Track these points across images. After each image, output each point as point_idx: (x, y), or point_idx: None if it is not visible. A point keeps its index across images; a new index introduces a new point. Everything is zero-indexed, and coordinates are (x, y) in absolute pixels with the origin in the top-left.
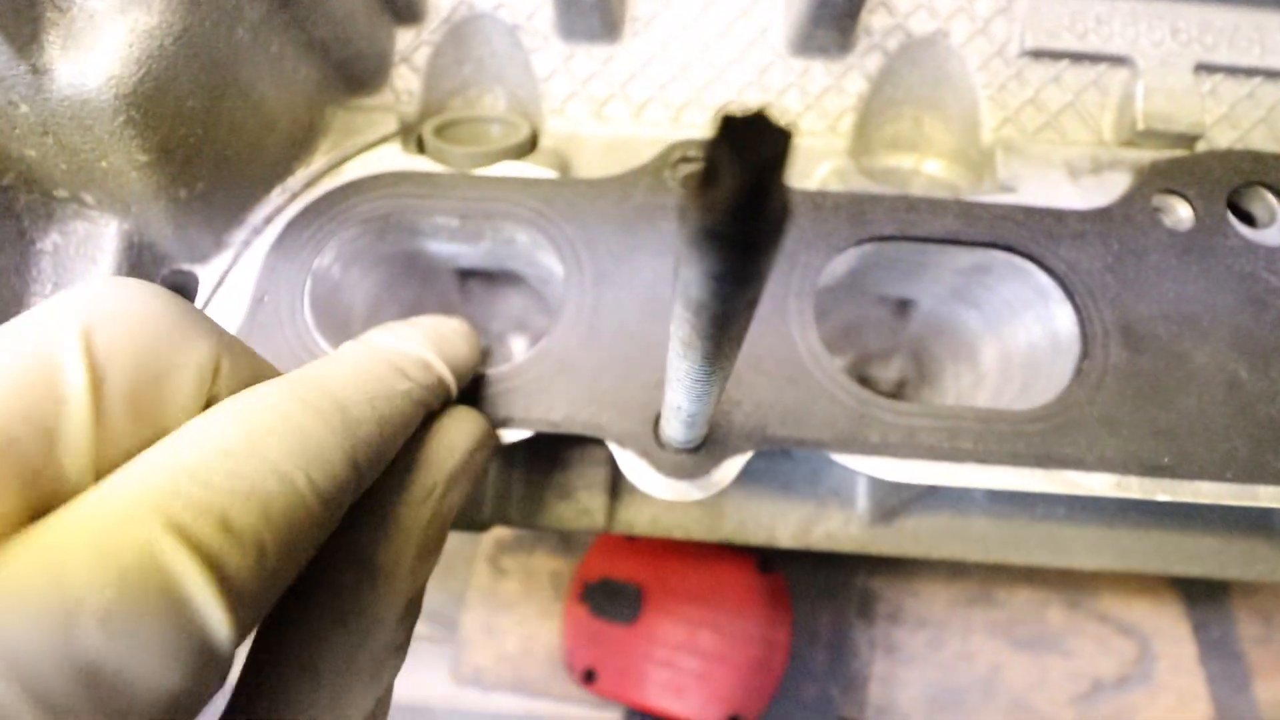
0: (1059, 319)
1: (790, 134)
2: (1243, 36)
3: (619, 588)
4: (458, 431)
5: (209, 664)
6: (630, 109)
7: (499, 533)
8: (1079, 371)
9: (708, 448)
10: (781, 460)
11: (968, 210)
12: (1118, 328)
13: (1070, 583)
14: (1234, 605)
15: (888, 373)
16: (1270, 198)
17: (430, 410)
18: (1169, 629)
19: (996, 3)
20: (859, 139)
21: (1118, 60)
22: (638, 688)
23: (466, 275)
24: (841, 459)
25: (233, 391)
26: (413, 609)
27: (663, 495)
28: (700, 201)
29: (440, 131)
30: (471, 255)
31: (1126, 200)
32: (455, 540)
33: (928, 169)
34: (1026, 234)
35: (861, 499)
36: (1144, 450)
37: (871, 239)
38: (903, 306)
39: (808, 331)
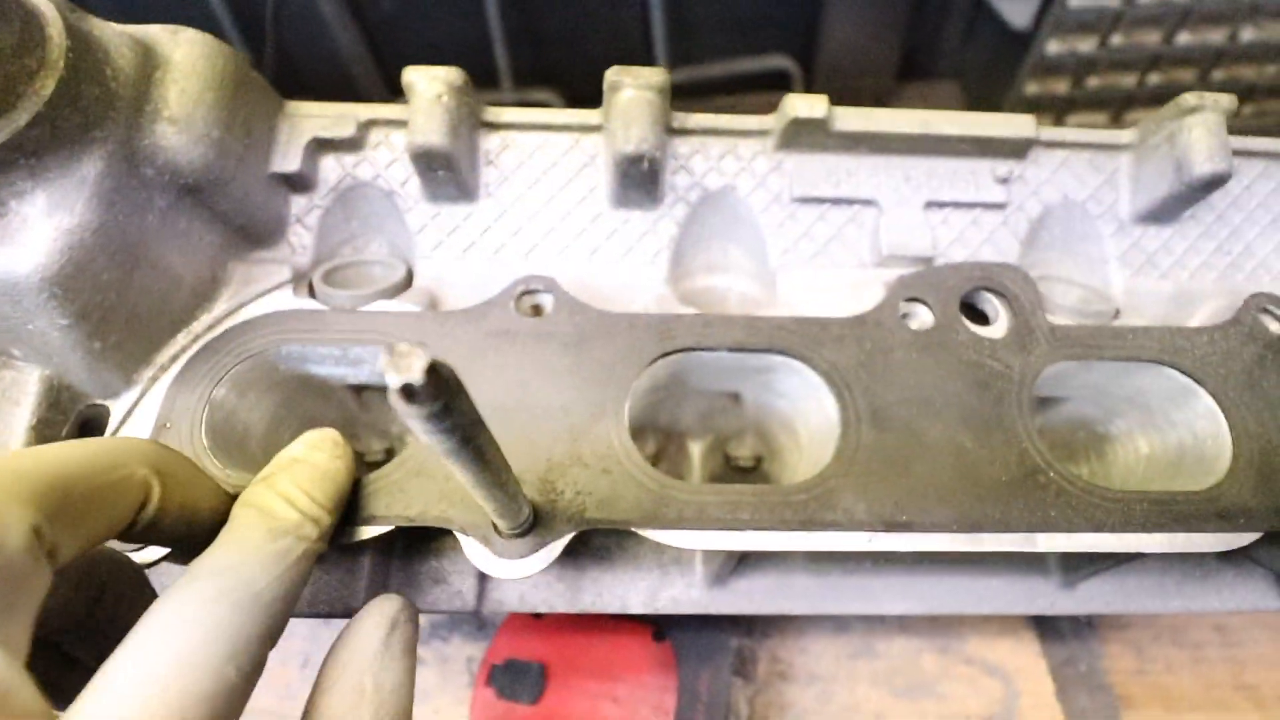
0: (827, 407)
1: (440, 369)
2: (960, 179)
3: (524, 667)
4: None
5: None
6: (487, 254)
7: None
8: (837, 450)
9: (536, 531)
10: (628, 538)
11: (752, 323)
12: (869, 412)
13: (940, 629)
14: (1102, 640)
15: (743, 450)
16: (994, 299)
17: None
18: (1029, 667)
19: (770, 163)
20: (675, 268)
21: (867, 202)
22: None
23: (361, 388)
24: (646, 533)
25: (171, 508)
26: None
27: (500, 575)
28: (405, 404)
29: (328, 276)
30: (358, 375)
31: (878, 309)
32: None
33: (738, 287)
34: (798, 340)
35: (698, 566)
36: (887, 511)
37: (674, 350)
38: (735, 398)
39: (621, 431)
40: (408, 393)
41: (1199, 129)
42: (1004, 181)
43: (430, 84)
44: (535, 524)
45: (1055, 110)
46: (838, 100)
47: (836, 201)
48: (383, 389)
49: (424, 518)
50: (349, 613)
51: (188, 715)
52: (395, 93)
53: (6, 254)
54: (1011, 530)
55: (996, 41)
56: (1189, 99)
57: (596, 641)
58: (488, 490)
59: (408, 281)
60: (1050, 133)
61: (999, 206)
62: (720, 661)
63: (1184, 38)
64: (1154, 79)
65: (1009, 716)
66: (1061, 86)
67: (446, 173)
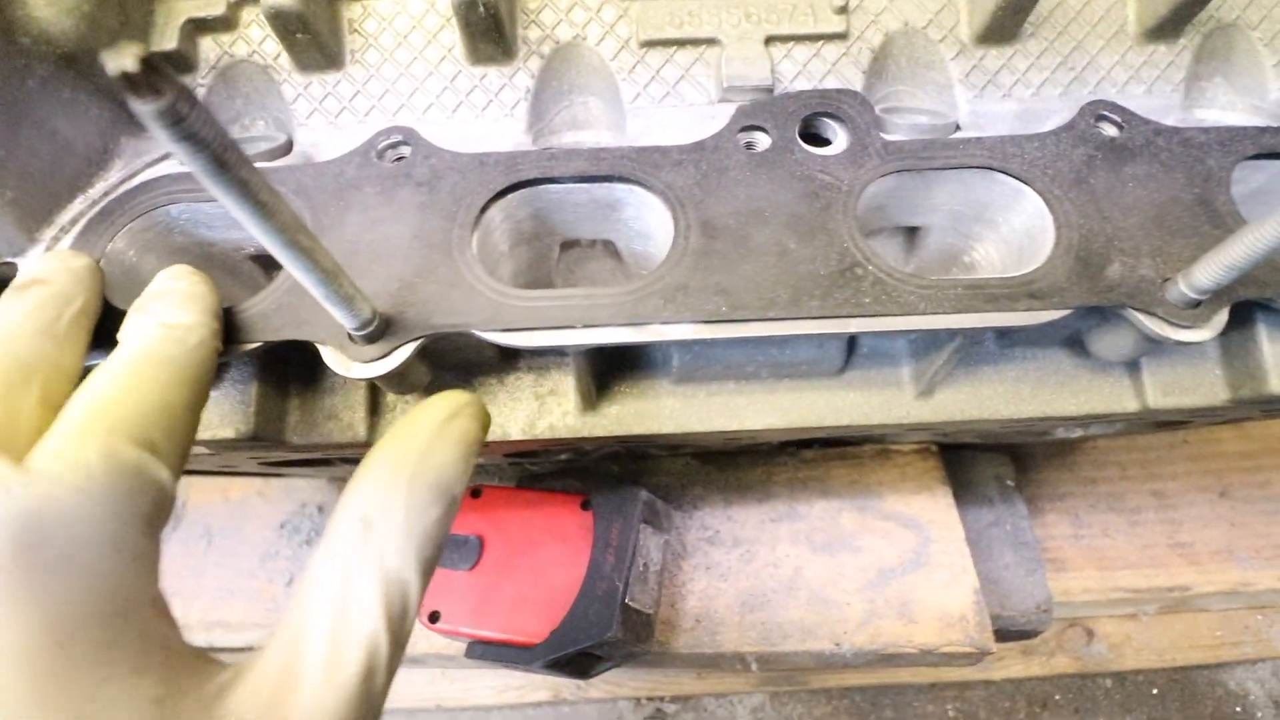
0: (668, 226)
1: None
2: (799, 13)
3: (462, 540)
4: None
5: None
6: (358, 117)
7: (316, 525)
8: (667, 255)
9: (387, 338)
10: (509, 372)
11: (595, 154)
12: (699, 223)
13: (860, 491)
14: (1039, 510)
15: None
16: (833, 124)
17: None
18: (942, 518)
19: (617, 10)
20: (536, 122)
21: (710, 40)
22: (475, 621)
23: (270, 264)
24: (485, 335)
25: None
26: None
27: (354, 375)
28: (133, 98)
29: None
30: (246, 238)
31: (717, 135)
32: (264, 540)
33: (594, 138)
34: (637, 166)
35: (571, 394)
36: (708, 304)
37: (522, 183)
38: (615, 254)
39: (465, 251)
40: (128, 82)
41: None
42: (842, 11)
43: None
44: (387, 331)
45: None
46: None
47: (682, 43)
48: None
49: (284, 333)
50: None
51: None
52: None
53: None
54: (827, 316)
55: None
56: None
57: (529, 515)
58: (314, 278)
59: (288, 148)
60: None
61: (840, 37)
62: (630, 511)
63: None
64: None
65: (920, 561)
66: None
67: (306, 37)
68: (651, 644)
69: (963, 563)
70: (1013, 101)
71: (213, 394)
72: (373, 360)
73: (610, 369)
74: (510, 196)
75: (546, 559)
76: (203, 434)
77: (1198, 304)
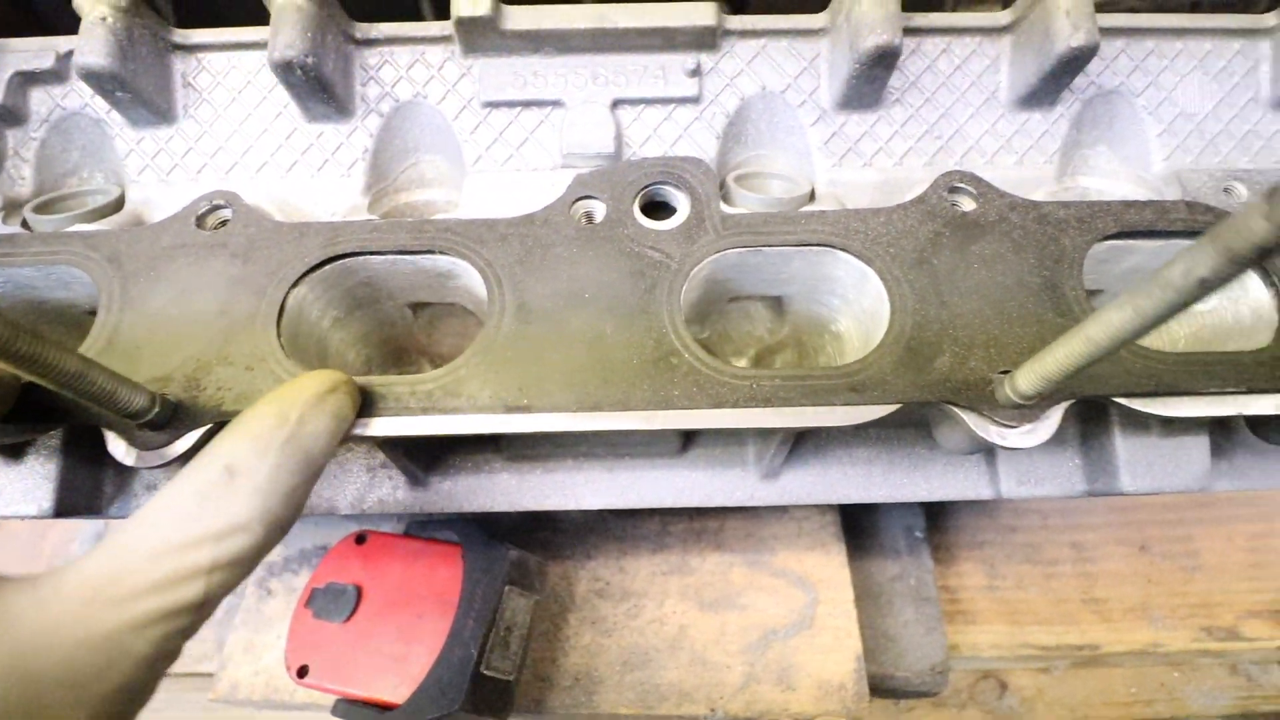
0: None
1: None
2: (650, 75)
3: (340, 589)
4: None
5: None
6: (190, 174)
7: (270, 557)
8: (476, 340)
9: (174, 425)
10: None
11: (418, 227)
12: (514, 305)
13: (753, 546)
14: (954, 558)
15: None
16: (679, 194)
17: None
18: (832, 577)
19: (460, 69)
20: (376, 181)
21: (554, 103)
22: (342, 678)
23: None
24: None
25: None
26: None
27: (136, 464)
28: None
29: (42, 206)
30: (74, 295)
31: (549, 207)
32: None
33: (439, 198)
34: (459, 240)
35: (397, 471)
36: (510, 395)
37: (339, 256)
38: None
39: (268, 330)
40: None
41: (867, 3)
42: (694, 74)
43: (94, 6)
44: (175, 417)
45: None
46: None
47: (527, 104)
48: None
49: (71, 417)
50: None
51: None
52: None
53: None
54: (631, 409)
55: None
56: None
57: (409, 566)
58: (49, 383)
59: (118, 205)
60: (741, 21)
61: (692, 101)
62: (496, 571)
63: None
64: None
65: (805, 623)
66: None
67: (127, 95)
68: (508, 713)
69: (848, 626)
70: (874, 171)
71: (17, 468)
72: (154, 449)
73: (443, 441)
74: (331, 268)
75: (419, 615)
76: (4, 510)
77: (1028, 404)
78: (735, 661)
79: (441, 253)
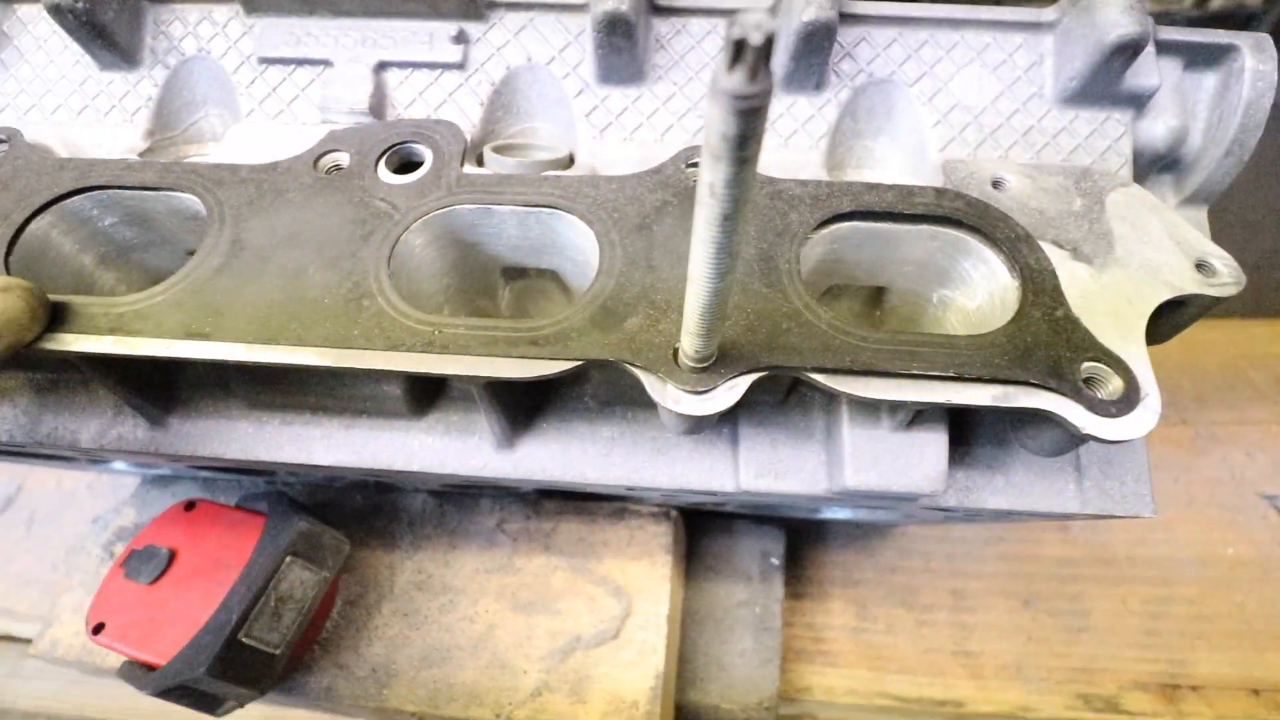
0: None
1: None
2: (417, 40)
3: (154, 552)
4: None
5: None
6: None
7: (121, 521)
8: (183, 269)
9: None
10: (92, 380)
11: (167, 168)
12: (229, 241)
13: (581, 551)
14: (825, 595)
15: None
16: (426, 151)
17: None
18: (652, 589)
19: (243, 27)
20: (159, 129)
21: (324, 62)
22: (131, 638)
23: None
24: None
25: None
26: None
27: None
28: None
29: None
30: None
31: (296, 157)
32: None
33: (212, 151)
34: (198, 180)
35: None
36: (194, 323)
37: (84, 189)
38: None
39: None
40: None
41: None
42: (459, 41)
43: None
44: None
45: None
46: None
47: (300, 62)
48: None
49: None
50: None
51: None
52: None
53: None
54: (306, 345)
55: None
56: None
57: (228, 535)
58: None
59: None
60: None
61: (458, 67)
62: (281, 541)
63: None
64: None
65: (612, 633)
66: None
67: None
68: (269, 686)
69: (655, 641)
70: (635, 145)
71: None
72: None
73: (180, 380)
74: (81, 201)
75: (219, 582)
76: None
77: (704, 368)
78: (534, 667)
79: (181, 191)
